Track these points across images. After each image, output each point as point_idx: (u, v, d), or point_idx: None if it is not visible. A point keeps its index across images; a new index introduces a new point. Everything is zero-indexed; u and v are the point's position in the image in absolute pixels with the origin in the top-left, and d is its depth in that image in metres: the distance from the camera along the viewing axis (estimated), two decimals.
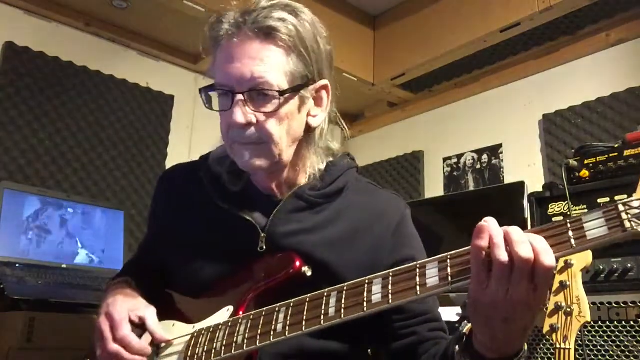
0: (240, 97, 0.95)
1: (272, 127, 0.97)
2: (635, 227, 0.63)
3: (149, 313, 1.01)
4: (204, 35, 1.03)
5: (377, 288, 0.78)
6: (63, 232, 2.20)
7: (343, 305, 0.80)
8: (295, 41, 0.97)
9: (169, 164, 2.90)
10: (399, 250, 1.05)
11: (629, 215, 0.64)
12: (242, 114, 0.95)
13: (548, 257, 0.68)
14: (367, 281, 0.80)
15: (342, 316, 0.79)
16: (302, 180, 1.08)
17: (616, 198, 1.70)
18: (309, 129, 1.04)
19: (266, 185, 1.07)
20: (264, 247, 1.03)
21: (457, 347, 0.84)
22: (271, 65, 0.95)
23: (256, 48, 0.95)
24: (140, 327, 1.01)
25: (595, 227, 0.66)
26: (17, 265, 1.98)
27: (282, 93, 0.96)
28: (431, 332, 1.02)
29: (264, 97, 0.96)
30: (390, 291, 0.77)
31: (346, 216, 1.06)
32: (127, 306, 1.01)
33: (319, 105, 1.05)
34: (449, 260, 0.75)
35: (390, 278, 0.78)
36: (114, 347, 0.95)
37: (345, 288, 0.82)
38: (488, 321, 0.74)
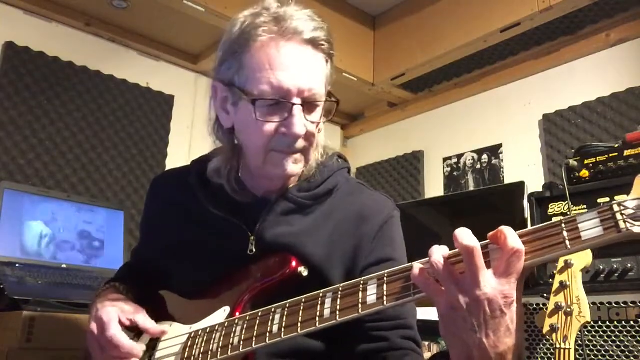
0: (300, 107, 0.95)
1: (317, 135, 1.01)
2: (630, 228, 0.63)
3: (139, 313, 1.01)
4: (228, 37, 1.00)
5: (372, 289, 0.78)
6: (63, 232, 2.20)
7: (338, 307, 0.80)
8: (330, 50, 1.00)
9: (169, 164, 2.90)
10: (378, 252, 1.04)
11: (624, 216, 0.63)
12: (304, 124, 0.96)
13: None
14: (362, 282, 0.80)
15: (337, 318, 0.79)
16: (294, 181, 1.08)
17: (616, 198, 1.70)
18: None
19: (274, 187, 1.06)
20: (254, 250, 1.02)
21: None
22: (321, 75, 0.98)
23: (310, 57, 0.97)
24: (132, 329, 1.01)
25: (590, 227, 0.65)
26: (17, 265, 1.98)
27: (331, 102, 1.00)
28: (402, 340, 1.00)
29: (313, 107, 0.98)
30: (385, 293, 0.76)
31: (334, 218, 1.05)
32: (116, 309, 1.01)
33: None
34: None
35: (385, 279, 0.77)
36: (105, 346, 0.96)
37: (340, 289, 0.82)
38: (458, 337, 0.70)
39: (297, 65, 0.95)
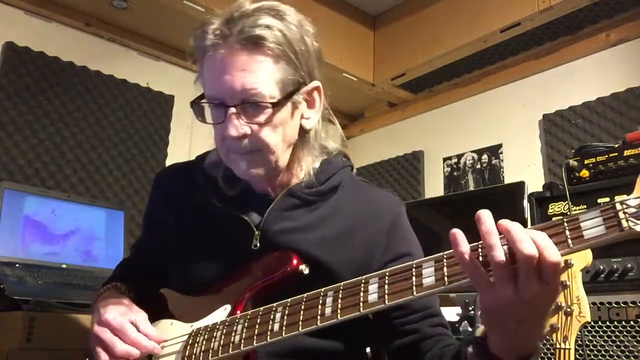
0: (232, 110, 0.95)
1: (267, 137, 0.97)
2: (632, 227, 0.62)
3: (140, 317, 1.01)
4: (190, 44, 1.01)
5: (373, 288, 0.78)
6: (63, 232, 2.20)
7: (339, 306, 0.80)
8: (284, 47, 0.96)
9: (169, 163, 2.89)
10: (394, 248, 1.05)
11: (627, 215, 0.63)
12: (236, 127, 0.95)
13: (552, 252, 0.66)
14: (363, 281, 0.80)
15: (339, 316, 0.79)
16: (297, 179, 1.08)
17: (616, 198, 1.70)
18: (303, 131, 1.04)
19: (262, 187, 1.07)
20: (258, 245, 1.03)
21: (470, 349, 0.82)
22: (262, 75, 0.94)
23: (245, 59, 0.94)
24: None
25: (592, 226, 0.65)
26: (17, 265, 1.98)
27: (275, 104, 0.95)
28: (433, 328, 1.02)
29: (257, 108, 0.95)
30: (386, 291, 0.76)
31: (340, 214, 1.06)
32: (119, 312, 1.00)
33: (311, 107, 1.05)
34: (444, 260, 0.74)
35: (387, 278, 0.77)
36: (123, 348, 0.95)
37: (341, 287, 0.82)
38: (502, 325, 0.72)
39: (230, 68, 0.94)
